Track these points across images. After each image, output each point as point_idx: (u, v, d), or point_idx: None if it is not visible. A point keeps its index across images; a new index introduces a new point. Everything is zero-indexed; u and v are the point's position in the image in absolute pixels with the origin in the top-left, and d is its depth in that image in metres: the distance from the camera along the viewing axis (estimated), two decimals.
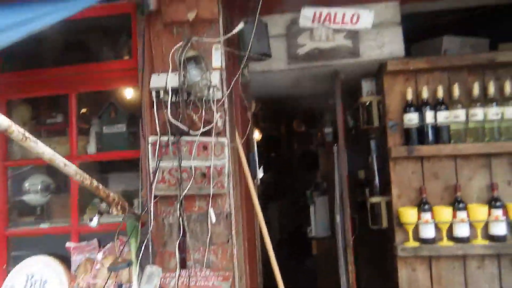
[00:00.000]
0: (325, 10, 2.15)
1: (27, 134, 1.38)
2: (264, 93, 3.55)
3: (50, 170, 2.67)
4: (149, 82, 2.31)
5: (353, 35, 2.65)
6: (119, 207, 1.92)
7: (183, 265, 2.23)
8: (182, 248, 2.26)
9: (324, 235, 3.90)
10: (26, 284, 2.39)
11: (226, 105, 2.29)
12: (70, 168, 1.63)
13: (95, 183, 1.78)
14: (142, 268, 2.18)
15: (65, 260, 2.44)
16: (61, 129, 2.77)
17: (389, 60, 2.58)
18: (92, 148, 2.60)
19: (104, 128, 2.56)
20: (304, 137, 7.26)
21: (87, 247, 2.37)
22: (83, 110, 2.79)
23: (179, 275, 2.14)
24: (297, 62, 2.82)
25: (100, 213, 1.98)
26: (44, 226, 2.58)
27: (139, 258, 2.12)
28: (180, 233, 2.22)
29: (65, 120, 2.74)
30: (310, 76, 3.12)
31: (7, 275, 2.45)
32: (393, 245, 2.65)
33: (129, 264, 1.99)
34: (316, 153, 5.52)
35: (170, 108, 2.25)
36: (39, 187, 2.58)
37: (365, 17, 2.09)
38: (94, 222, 1.93)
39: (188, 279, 2.12)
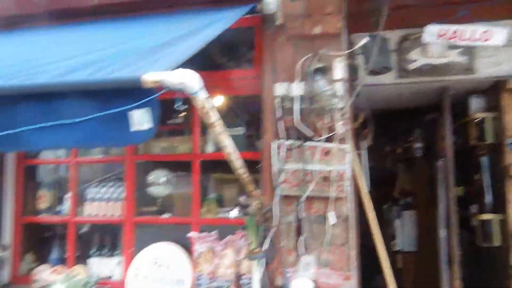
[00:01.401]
0: (452, 28, 2.23)
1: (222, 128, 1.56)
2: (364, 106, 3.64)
3: (171, 165, 2.91)
4: (272, 90, 2.50)
5: (469, 51, 2.70)
6: (257, 202, 2.09)
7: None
8: (299, 247, 2.40)
9: (410, 249, 3.90)
10: (152, 267, 2.63)
11: (347, 114, 2.43)
12: (239, 162, 1.82)
13: (248, 177, 1.96)
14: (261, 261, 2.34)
15: (185, 248, 2.67)
16: (181, 129, 3.01)
17: (509, 77, 2.59)
18: (210, 147, 2.83)
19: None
20: (376, 152, 7.19)
21: (208, 238, 2.58)
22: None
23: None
24: (407, 76, 2.91)
25: (240, 206, 2.16)
26: (165, 216, 2.83)
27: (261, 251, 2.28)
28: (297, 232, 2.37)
29: (185, 121, 3.00)
30: (414, 91, 3.18)
31: (134, 258, 2.72)
32: (508, 264, 2.62)
33: (266, 255, 2.15)
34: (389, 169, 5.49)
35: (294, 114, 2.42)
36: (162, 180, 2.84)
37: (498, 34, 2.14)
38: (233, 214, 2.11)
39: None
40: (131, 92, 1.34)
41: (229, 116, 2.85)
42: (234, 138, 2.74)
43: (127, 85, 1.31)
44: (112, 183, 2.98)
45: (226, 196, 2.85)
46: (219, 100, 2.90)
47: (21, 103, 1.39)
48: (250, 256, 2.15)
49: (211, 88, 2.74)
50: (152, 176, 2.87)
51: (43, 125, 1.34)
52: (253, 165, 2.84)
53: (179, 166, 2.90)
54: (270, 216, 2.36)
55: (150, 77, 1.27)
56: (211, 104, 1.42)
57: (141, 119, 1.34)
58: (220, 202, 2.84)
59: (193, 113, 2.78)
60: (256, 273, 2.32)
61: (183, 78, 1.28)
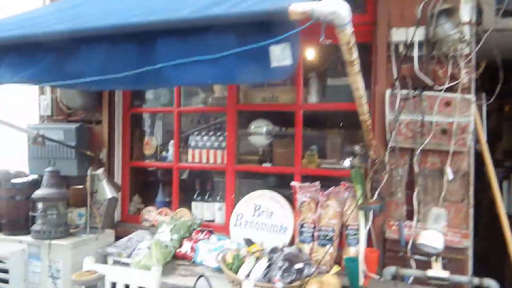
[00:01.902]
0: None
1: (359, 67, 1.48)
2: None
3: (271, 116, 2.91)
4: (387, 36, 2.34)
5: None
6: (373, 152, 2.02)
7: (409, 217, 2.28)
8: (409, 201, 2.30)
9: None
10: (254, 214, 2.70)
11: (473, 61, 2.21)
12: (365, 107, 1.74)
13: (370, 123, 1.88)
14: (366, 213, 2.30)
15: (286, 197, 2.69)
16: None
17: None
18: (313, 98, 2.76)
19: (328, 80, 2.69)
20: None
21: (310, 188, 2.57)
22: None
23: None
24: None
25: (354, 155, 2.11)
26: (266, 165, 2.86)
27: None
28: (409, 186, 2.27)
29: None
30: None
31: (236, 205, 2.80)
32: None
33: (381, 206, 2.10)
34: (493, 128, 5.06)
35: (410, 62, 2.26)
36: (263, 130, 2.85)
37: None
38: (347, 163, 2.07)
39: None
40: (272, 26, 1.30)
41: (334, 65, 2.75)
42: (339, 88, 2.68)
43: (272, 17, 1.27)
44: (214, 132, 3.06)
45: (328, 147, 2.80)
46: (326, 48, 2.80)
47: (160, 39, 1.41)
48: (361, 207, 2.10)
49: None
50: (254, 126, 2.89)
51: (182, 61, 1.35)
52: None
53: (280, 116, 2.89)
54: (380, 168, 2.28)
55: (298, 8, 1.21)
56: (354, 39, 1.34)
57: (281, 55, 1.30)
58: (322, 154, 2.80)
59: (299, 63, 2.71)
60: (363, 224, 2.29)
61: (335, 7, 1.20)
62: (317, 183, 2.58)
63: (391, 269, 1.93)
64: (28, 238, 2.68)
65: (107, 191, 2.75)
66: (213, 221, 2.99)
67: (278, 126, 2.89)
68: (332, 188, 2.51)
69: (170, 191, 3.22)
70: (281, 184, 2.79)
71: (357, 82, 1.50)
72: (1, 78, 1.62)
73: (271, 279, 2.11)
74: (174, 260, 2.62)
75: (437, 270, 1.83)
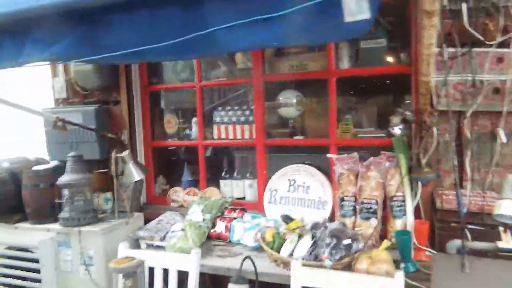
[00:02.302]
0: None
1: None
2: None
3: (301, 85, 2.74)
4: None
5: None
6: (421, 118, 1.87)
7: (460, 185, 2.15)
8: (458, 168, 2.16)
9: None
10: (290, 189, 2.58)
11: None
12: (432, 66, 1.58)
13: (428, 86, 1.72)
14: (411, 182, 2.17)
15: (321, 170, 2.57)
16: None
17: None
18: (345, 63, 2.58)
19: (361, 43, 2.50)
20: None
21: (348, 159, 2.43)
22: None
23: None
24: None
25: (405, 122, 1.96)
26: (297, 137, 2.72)
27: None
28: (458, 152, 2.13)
29: None
30: None
31: (268, 181, 2.68)
32: None
33: (437, 175, 1.97)
34: None
35: (457, 16, 2.07)
36: (293, 100, 2.69)
37: None
38: (397, 130, 1.92)
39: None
40: None
41: None
42: (374, 51, 2.50)
43: None
44: (239, 106, 2.90)
45: (363, 116, 2.65)
46: None
47: (209, 1, 1.24)
48: (416, 177, 1.97)
49: None
50: (282, 97, 2.73)
51: (236, 23, 1.18)
52: (396, 81, 2.58)
53: (309, 85, 2.72)
54: (427, 135, 2.12)
55: None
56: None
57: (357, 7, 1.12)
58: (356, 123, 2.65)
59: None
60: (410, 195, 2.16)
61: None
62: (355, 154, 2.44)
63: (455, 243, 1.81)
64: (56, 226, 2.59)
65: (135, 174, 2.63)
66: (243, 198, 2.88)
67: (308, 96, 2.72)
68: (371, 158, 2.37)
69: (195, 170, 3.11)
70: (314, 157, 2.64)
71: (432, 37, 1.33)
72: (29, 57, 1.46)
73: (318, 257, 2.01)
74: (209, 241, 2.53)
75: (508, 242, 1.71)
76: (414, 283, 1.72)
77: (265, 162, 2.73)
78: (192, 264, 2.03)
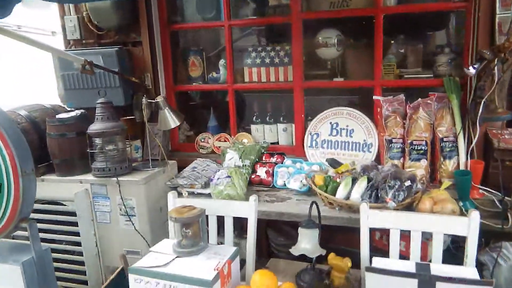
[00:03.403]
0: None
1: None
2: None
3: (341, 24, 2.60)
4: None
5: None
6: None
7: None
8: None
9: None
10: (332, 132, 2.54)
11: None
12: None
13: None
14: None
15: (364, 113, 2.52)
16: None
17: None
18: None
19: None
20: None
21: (394, 101, 2.39)
22: None
23: None
24: None
25: (481, 60, 1.88)
26: (337, 79, 2.63)
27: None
28: None
29: None
30: None
31: (307, 124, 2.62)
32: None
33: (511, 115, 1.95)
34: None
35: None
36: (333, 40, 2.56)
37: None
38: (472, 69, 1.86)
39: None
40: None
41: None
42: None
43: None
44: (272, 47, 2.75)
45: (408, 55, 2.57)
46: None
47: None
48: (489, 117, 1.95)
49: None
50: (321, 37, 2.60)
51: None
52: (446, 18, 2.49)
53: (350, 24, 2.59)
54: (484, 74, 2.08)
55: None
56: None
57: None
58: (401, 63, 2.57)
59: None
60: (462, 135, 2.17)
61: None
62: (402, 95, 2.39)
63: None
64: (89, 177, 2.47)
65: (170, 121, 2.51)
66: (276, 143, 2.82)
67: (349, 35, 2.60)
68: (420, 99, 2.34)
69: (221, 115, 3.00)
70: (354, 100, 2.59)
71: None
72: None
73: (378, 199, 2.01)
74: (251, 187, 2.50)
75: None
76: (485, 221, 1.75)
77: (303, 105, 2.64)
78: (251, 210, 1.99)
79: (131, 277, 1.64)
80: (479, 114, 2.07)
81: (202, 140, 2.92)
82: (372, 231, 1.79)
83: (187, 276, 1.57)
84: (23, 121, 2.55)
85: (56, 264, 2.02)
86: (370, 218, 1.79)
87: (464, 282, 1.25)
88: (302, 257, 2.02)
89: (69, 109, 2.81)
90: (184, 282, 1.56)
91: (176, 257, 1.73)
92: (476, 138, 2.11)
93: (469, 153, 2.15)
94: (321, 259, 1.83)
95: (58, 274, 2.05)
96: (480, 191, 2.09)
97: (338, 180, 2.21)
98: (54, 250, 2.00)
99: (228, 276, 1.70)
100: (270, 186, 2.49)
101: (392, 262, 1.67)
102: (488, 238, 2.04)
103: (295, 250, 1.74)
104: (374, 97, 2.43)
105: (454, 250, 2.08)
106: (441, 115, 2.28)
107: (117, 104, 2.71)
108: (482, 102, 2.07)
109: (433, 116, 2.30)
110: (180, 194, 2.43)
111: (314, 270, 1.84)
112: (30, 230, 1.80)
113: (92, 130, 2.40)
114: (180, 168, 2.71)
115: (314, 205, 1.79)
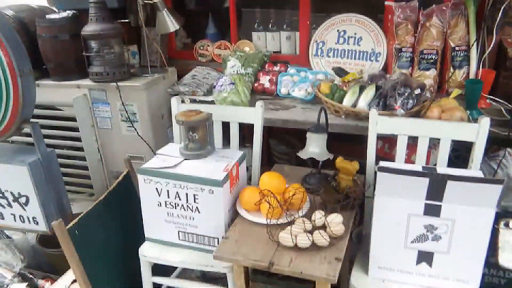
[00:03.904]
0: None
1: None
2: None
3: None
4: None
5: None
6: None
7: None
8: None
9: None
10: (338, 40, 2.44)
11: None
12: None
13: None
14: None
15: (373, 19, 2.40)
16: None
17: None
18: None
19: None
20: None
21: (407, 7, 2.26)
22: None
23: None
24: None
25: None
26: None
27: None
28: None
29: None
30: None
31: (313, 32, 2.50)
32: None
33: None
34: None
35: None
36: None
37: None
38: None
39: None
40: None
41: None
42: None
43: None
44: None
45: None
46: None
47: None
48: (507, 23, 1.86)
49: None
50: None
51: None
52: None
53: None
54: None
55: None
56: None
57: None
58: None
59: None
60: (475, 44, 2.10)
61: None
62: (415, 1, 2.26)
63: None
64: (87, 82, 2.38)
65: (169, 24, 2.36)
66: (279, 52, 2.72)
67: None
68: (434, 6, 2.22)
69: (220, 21, 2.85)
70: (363, 6, 2.44)
71: None
72: None
73: (386, 107, 1.99)
74: (254, 96, 2.45)
75: None
76: (493, 129, 1.76)
77: (309, 11, 2.50)
78: (257, 116, 1.97)
79: (140, 178, 1.65)
80: (497, 21, 1.99)
81: (201, 47, 2.79)
82: None
83: (197, 176, 1.58)
84: (11, 21, 2.38)
85: (61, 170, 2.02)
86: (378, 124, 1.79)
87: (475, 180, 1.27)
88: (306, 165, 2.07)
89: (58, 11, 2.62)
90: (194, 182, 1.58)
91: (184, 159, 1.73)
92: (491, 47, 2.05)
93: (481, 62, 2.10)
94: (326, 166, 1.85)
95: (63, 179, 2.05)
96: (488, 101, 2.07)
97: (344, 88, 2.17)
98: (58, 156, 1.99)
99: (236, 178, 1.73)
100: (274, 95, 2.44)
101: (399, 165, 1.70)
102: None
103: (303, 154, 1.75)
104: (386, 3, 2.30)
105: (454, 159, 2.12)
106: (455, 23, 2.18)
107: (110, 6, 2.51)
108: (502, 8, 1.97)
109: (446, 24, 2.20)
110: (182, 102, 2.38)
111: (320, 174, 1.87)
112: (33, 131, 1.77)
113: (87, 31, 2.26)
114: (180, 76, 2.62)
115: (322, 111, 1.78)
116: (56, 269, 2.08)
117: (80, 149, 2.43)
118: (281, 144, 2.78)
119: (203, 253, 1.66)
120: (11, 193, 1.87)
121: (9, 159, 1.83)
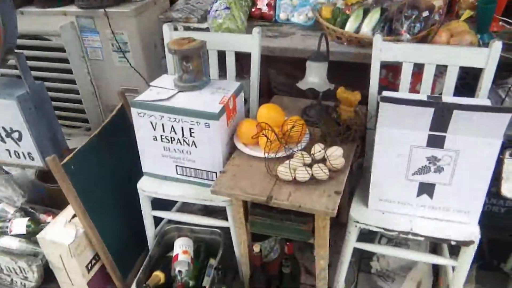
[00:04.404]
0: None
1: None
2: None
3: None
4: None
5: None
6: None
7: None
8: None
9: None
10: None
11: None
12: None
13: None
14: None
15: None
16: None
17: None
18: None
19: None
20: None
21: None
22: None
23: None
24: None
25: None
26: None
27: None
28: None
29: None
30: None
31: None
32: None
33: None
34: None
35: None
36: None
37: None
38: None
39: None
40: None
41: None
42: None
43: None
44: None
45: None
46: None
47: None
48: None
49: None
50: None
51: None
52: None
53: None
54: None
55: None
56: None
57: None
58: None
59: None
60: None
61: None
62: None
63: None
64: (74, 9, 2.23)
65: None
66: None
67: None
68: None
69: None
70: None
71: None
72: None
73: (392, 32, 1.87)
74: (251, 22, 2.30)
75: None
76: (504, 54, 1.65)
77: None
78: (255, 43, 1.85)
79: (134, 111, 1.59)
80: None
81: None
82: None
83: (192, 109, 1.52)
84: None
85: (54, 104, 1.96)
86: (383, 51, 1.68)
87: (483, 109, 1.21)
88: (306, 96, 1.99)
89: None
90: (189, 115, 1.52)
91: (178, 92, 1.66)
92: None
93: None
94: (326, 97, 1.78)
95: (57, 113, 2.00)
96: (500, 23, 1.94)
97: (347, 12, 2.03)
98: (49, 89, 1.92)
99: (233, 110, 1.67)
100: (272, 20, 2.30)
101: (403, 95, 1.62)
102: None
103: (302, 84, 1.68)
104: None
105: (460, 87, 2.04)
106: None
107: None
108: None
109: None
110: (175, 29, 2.25)
111: (321, 105, 1.81)
112: (19, 62, 1.68)
113: None
114: (172, 2, 2.45)
115: (322, 38, 1.67)
116: (57, 204, 2.10)
117: (72, 81, 2.35)
118: (280, 74, 2.67)
119: (202, 187, 1.65)
120: (3, 128, 1.83)
121: None
